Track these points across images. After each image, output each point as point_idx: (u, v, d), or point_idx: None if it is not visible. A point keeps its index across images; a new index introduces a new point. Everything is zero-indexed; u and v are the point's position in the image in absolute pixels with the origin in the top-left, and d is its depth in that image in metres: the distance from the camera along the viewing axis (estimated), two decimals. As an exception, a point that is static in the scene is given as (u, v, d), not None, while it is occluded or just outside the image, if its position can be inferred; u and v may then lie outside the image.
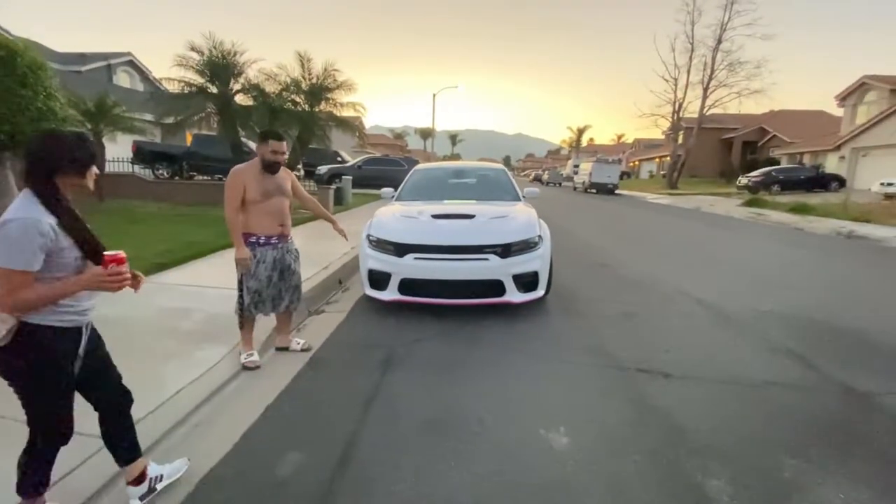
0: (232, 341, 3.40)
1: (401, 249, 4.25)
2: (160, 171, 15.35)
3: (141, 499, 1.92)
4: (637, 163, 53.87)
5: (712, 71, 28.06)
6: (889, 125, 21.88)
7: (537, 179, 47.08)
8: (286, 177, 3.31)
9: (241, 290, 3.21)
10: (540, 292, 4.36)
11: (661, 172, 40.05)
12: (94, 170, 1.73)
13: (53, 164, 1.59)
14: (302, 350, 3.53)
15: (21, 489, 1.75)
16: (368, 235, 4.54)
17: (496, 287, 4.17)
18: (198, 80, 10.74)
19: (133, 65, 24.47)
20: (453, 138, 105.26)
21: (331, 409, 2.76)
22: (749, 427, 2.59)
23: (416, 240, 4.28)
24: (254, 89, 11.05)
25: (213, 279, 4.90)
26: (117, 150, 13.92)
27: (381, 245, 4.38)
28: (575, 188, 31.14)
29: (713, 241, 9.81)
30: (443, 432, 2.50)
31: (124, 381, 1.96)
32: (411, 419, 2.63)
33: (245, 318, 3.26)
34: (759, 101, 35.76)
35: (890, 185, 17.86)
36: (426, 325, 4.09)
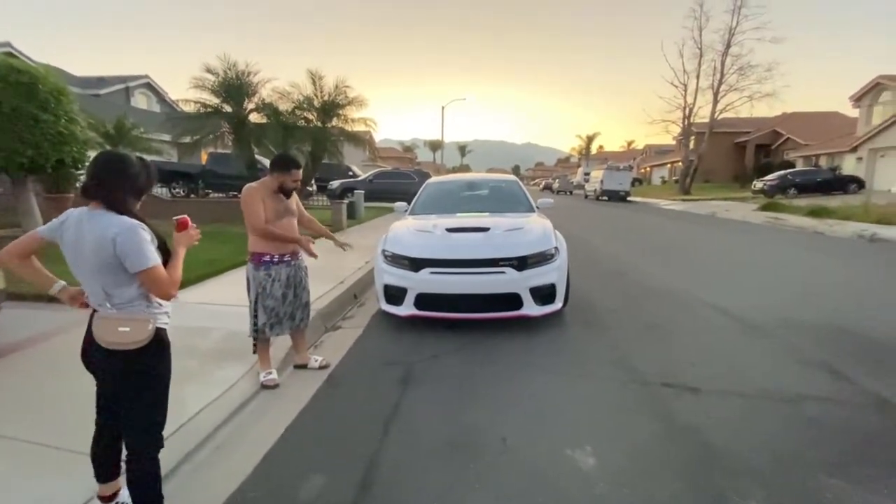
0: (251, 359, 3.39)
1: (416, 264, 4.23)
2: (177, 190, 15.65)
3: None
4: (648, 169, 53.48)
5: (722, 75, 27.94)
6: (907, 125, 21.46)
7: (547, 188, 46.95)
8: (292, 198, 3.34)
9: (255, 311, 3.21)
10: (558, 305, 4.30)
11: (674, 178, 39.65)
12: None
13: (120, 186, 1.70)
14: (320, 367, 3.51)
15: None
16: (384, 251, 4.53)
17: (513, 300, 4.12)
18: (213, 100, 10.98)
19: (150, 87, 25.17)
20: (462, 149, 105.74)
21: (351, 429, 2.73)
22: (784, 444, 2.49)
23: (431, 254, 4.26)
24: (267, 108, 11.24)
25: (230, 297, 4.92)
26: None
27: (396, 260, 4.37)
28: (586, 196, 30.98)
29: (731, 247, 9.63)
30: (465, 453, 2.45)
31: None
32: (432, 439, 2.58)
33: (260, 340, 3.25)
34: (772, 104, 35.31)
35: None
36: (443, 341, 4.05)
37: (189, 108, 11.33)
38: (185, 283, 5.47)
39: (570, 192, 38.88)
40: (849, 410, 2.85)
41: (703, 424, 2.66)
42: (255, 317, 3.21)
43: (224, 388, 3.06)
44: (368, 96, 12.38)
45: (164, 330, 1.85)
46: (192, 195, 15.34)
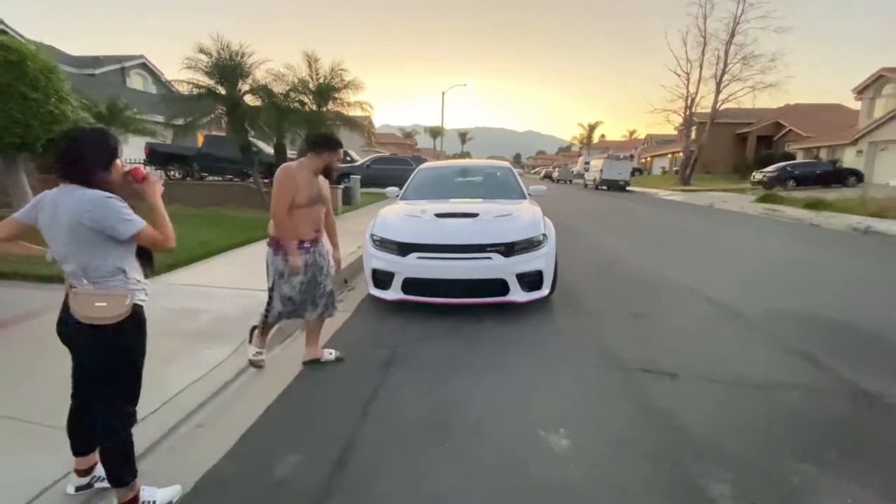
0: (237, 341, 3.41)
1: (404, 249, 4.23)
2: (172, 173, 15.54)
3: (77, 489, 1.93)
4: (649, 159, 53.22)
5: (725, 65, 27.61)
6: (909, 118, 21.31)
7: (548, 177, 46.76)
8: (324, 184, 3.20)
9: (270, 297, 3.10)
10: (544, 291, 4.31)
11: (674, 168, 39.48)
12: (119, 163, 1.82)
13: (84, 162, 1.69)
14: (336, 360, 3.37)
15: (118, 478, 1.84)
16: (372, 235, 4.53)
17: (500, 286, 4.13)
18: (206, 81, 10.80)
19: (146, 67, 24.82)
20: (463, 136, 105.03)
21: (331, 409, 2.76)
22: (757, 429, 2.53)
23: (419, 239, 4.26)
24: (262, 90, 11.08)
25: (222, 279, 4.94)
26: (130, 152, 14.13)
27: (384, 244, 4.37)
28: (586, 185, 30.86)
29: (726, 238, 9.64)
30: (442, 433, 2.48)
31: None
32: (411, 420, 2.61)
33: (269, 325, 3.18)
34: (774, 95, 35.01)
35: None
36: (430, 325, 4.07)
37: (183, 89, 11.17)
38: (176, 265, 5.47)
39: (570, 181, 38.72)
40: (824, 398, 2.89)
41: (679, 409, 2.70)
42: (270, 302, 3.09)
43: (208, 369, 3.08)
44: (368, 82, 12.24)
45: (142, 307, 1.85)
46: (188, 178, 15.23)
